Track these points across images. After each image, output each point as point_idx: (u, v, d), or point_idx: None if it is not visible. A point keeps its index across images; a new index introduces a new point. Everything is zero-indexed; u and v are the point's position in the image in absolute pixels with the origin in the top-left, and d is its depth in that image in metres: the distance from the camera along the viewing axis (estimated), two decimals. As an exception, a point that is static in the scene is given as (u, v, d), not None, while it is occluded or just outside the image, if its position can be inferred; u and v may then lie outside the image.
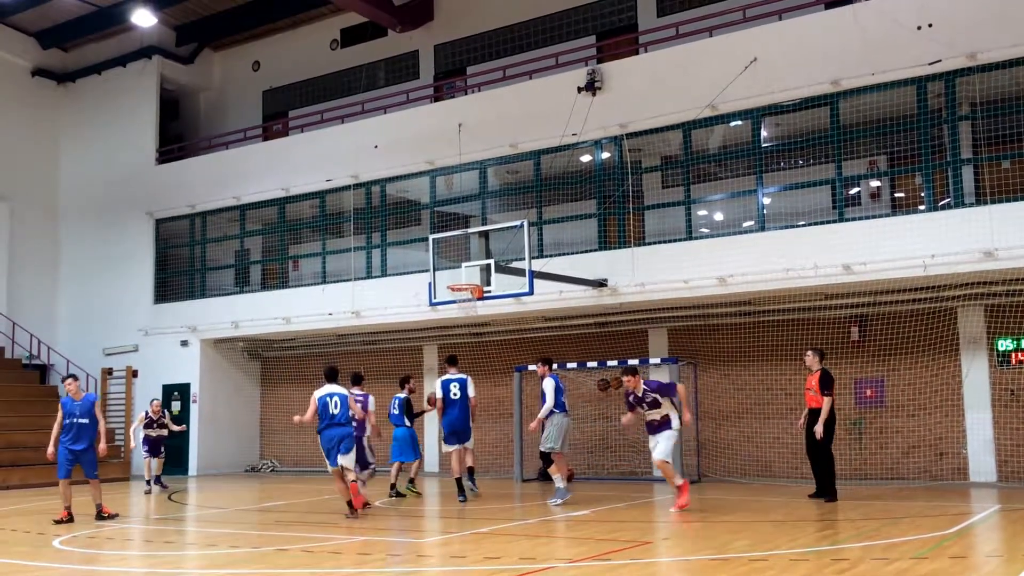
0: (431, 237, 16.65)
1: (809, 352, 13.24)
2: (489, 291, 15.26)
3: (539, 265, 15.99)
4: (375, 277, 20.30)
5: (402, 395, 15.36)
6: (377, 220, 20.60)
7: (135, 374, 23.96)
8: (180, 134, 26.28)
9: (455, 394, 14.05)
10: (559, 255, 17.56)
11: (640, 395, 11.68)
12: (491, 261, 15.38)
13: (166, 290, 23.96)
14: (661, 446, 11.48)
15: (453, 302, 16.46)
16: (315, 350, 22.64)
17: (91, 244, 25.30)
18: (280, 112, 24.99)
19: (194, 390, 22.93)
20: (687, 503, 11.46)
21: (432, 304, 16.59)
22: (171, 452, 22.85)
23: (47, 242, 25.81)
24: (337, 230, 21.46)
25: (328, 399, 11.79)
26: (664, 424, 11.58)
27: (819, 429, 12.40)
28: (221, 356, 23.40)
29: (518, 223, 15.73)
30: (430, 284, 16.21)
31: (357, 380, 13.92)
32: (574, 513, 11.75)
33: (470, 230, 17.60)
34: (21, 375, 23.79)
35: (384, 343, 21.69)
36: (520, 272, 15.30)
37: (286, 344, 23.13)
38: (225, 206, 22.87)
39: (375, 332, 21.25)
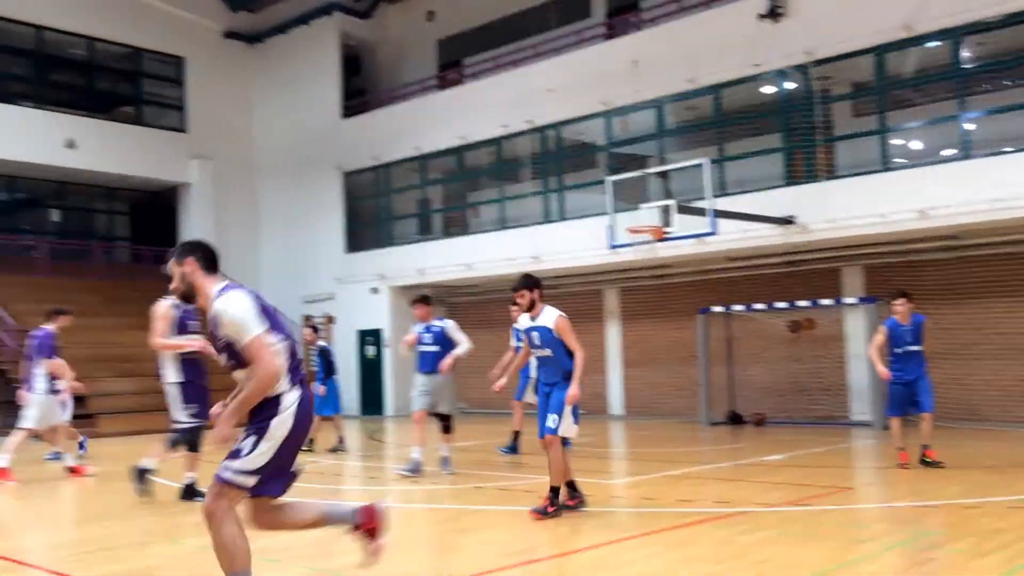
0: (608, 179, 16.49)
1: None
2: (670, 232, 14.98)
3: (722, 204, 15.52)
4: (553, 221, 20.37)
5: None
6: (554, 164, 20.59)
7: (332, 320, 25.23)
8: (362, 88, 27.09)
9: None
10: (743, 193, 16.98)
11: None
12: (671, 202, 15.06)
13: (356, 240, 24.99)
14: None
15: (632, 244, 16.29)
16: (497, 295, 23.02)
17: (286, 199, 26.67)
18: (455, 61, 25.26)
19: (386, 335, 23.91)
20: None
21: (612, 247, 16.48)
22: (368, 394, 24.12)
23: (247, 198, 27.42)
24: (514, 176, 21.63)
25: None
26: None
27: None
28: (408, 303, 24.22)
29: (699, 161, 15.31)
30: (609, 227, 16.10)
31: None
32: (767, 458, 11.49)
33: (648, 171, 17.28)
34: (229, 323, 25.49)
35: (564, 287, 21.77)
36: (702, 212, 14.92)
37: (469, 290, 23.68)
38: (406, 157, 23.50)
39: (555, 276, 21.34)
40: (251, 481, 4.32)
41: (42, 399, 11.37)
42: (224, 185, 26.83)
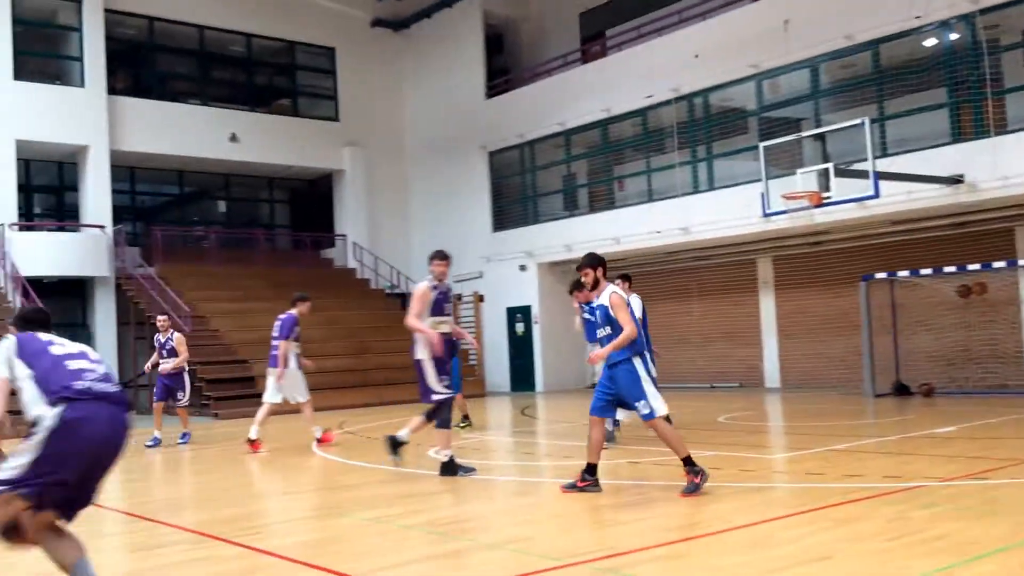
0: (761, 145, 15.99)
1: None
2: (828, 197, 14.40)
3: (884, 165, 14.79)
4: (702, 191, 19.95)
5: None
6: (701, 132, 20.13)
7: (481, 299, 25.64)
8: (505, 67, 27.26)
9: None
10: (905, 152, 16.14)
11: None
12: (829, 165, 14.46)
13: (503, 218, 25.25)
14: None
15: (788, 211, 15.75)
16: (645, 269, 22.79)
17: (434, 180, 27.21)
18: (598, 33, 25.03)
19: (535, 312, 24.10)
20: None
21: (766, 215, 16.01)
22: (518, 371, 24.41)
23: (397, 181, 28.16)
24: (660, 146, 21.29)
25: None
26: None
27: None
28: (556, 279, 24.31)
29: (858, 121, 14.62)
30: (762, 194, 15.63)
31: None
32: (938, 430, 10.93)
33: (803, 134, 16.61)
34: (385, 303, 26.32)
35: (715, 258, 21.36)
36: (863, 174, 14.26)
37: (617, 264, 23.47)
38: (551, 133, 23.51)
39: (705, 247, 20.97)
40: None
41: (290, 374, 12.19)
42: (375, 170, 27.64)
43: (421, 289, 8.70)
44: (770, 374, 20.53)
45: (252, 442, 11.88)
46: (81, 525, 7.57)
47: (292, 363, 12.26)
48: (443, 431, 8.81)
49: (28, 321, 5.18)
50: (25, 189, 23.42)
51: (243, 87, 27.04)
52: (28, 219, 23.38)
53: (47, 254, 21.57)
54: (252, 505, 7.98)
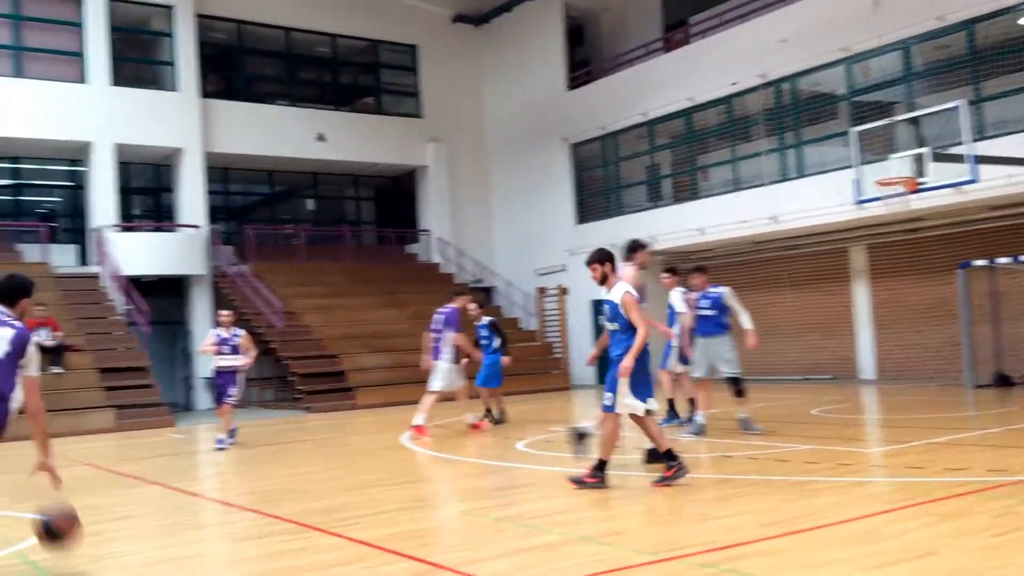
0: (852, 130, 15.56)
1: None
2: (924, 182, 13.95)
3: (982, 148, 14.23)
4: (791, 179, 19.53)
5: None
6: (789, 119, 19.71)
7: (565, 292, 25.60)
8: (586, 58, 27.12)
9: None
10: (1005, 135, 15.50)
11: None
12: (925, 150, 13.99)
13: (585, 210, 25.16)
14: None
15: (882, 198, 15.29)
16: (731, 259, 22.45)
17: (516, 174, 27.26)
18: (680, 20, 24.69)
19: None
20: None
21: (858, 202, 15.58)
22: (604, 364, 24.25)
23: (479, 175, 28.31)
24: (746, 134, 20.92)
25: None
26: None
27: None
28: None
29: (953, 104, 14.10)
30: (855, 181, 15.22)
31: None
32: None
33: (897, 118, 16.11)
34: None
35: (804, 247, 20.90)
36: (959, 158, 13.76)
37: (702, 255, 23.19)
38: (633, 124, 23.32)
39: (794, 236, 20.51)
40: None
41: (447, 367, 12.50)
42: (457, 165, 27.84)
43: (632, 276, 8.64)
44: (864, 365, 20.00)
45: (418, 427, 12.13)
46: (184, 516, 7.85)
47: (447, 355, 12.53)
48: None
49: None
50: (124, 191, 24.30)
51: (329, 87, 27.53)
52: (127, 220, 24.25)
53: (146, 254, 22.36)
54: (346, 497, 8.13)
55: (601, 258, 7.74)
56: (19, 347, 5.43)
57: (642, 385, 7.47)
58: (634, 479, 8.65)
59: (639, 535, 6.03)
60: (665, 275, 11.96)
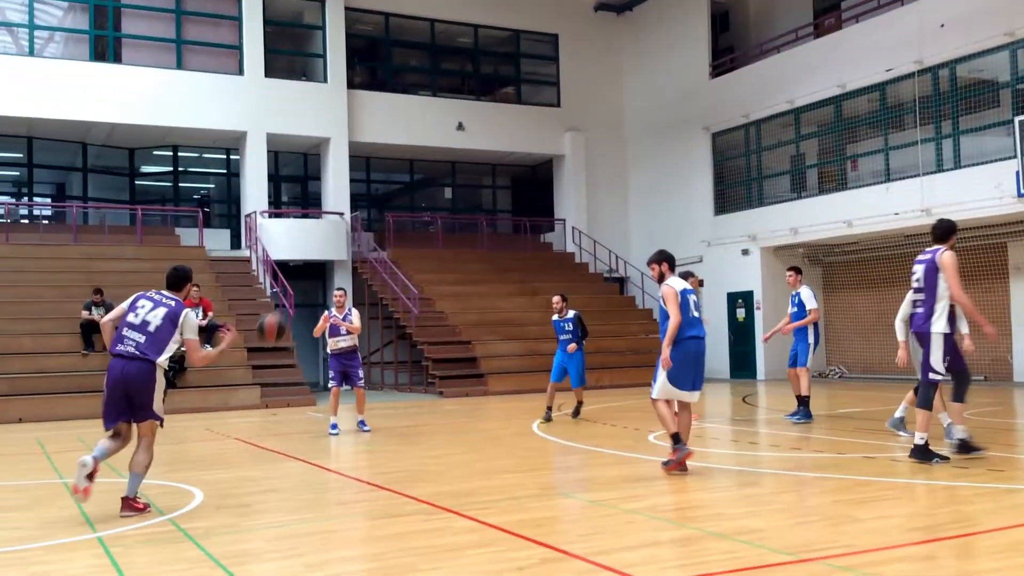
0: (1017, 119, 14.63)
1: None
2: (1096, 174, 12.97)
3: None
4: (947, 170, 18.55)
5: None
6: (947, 107, 18.71)
7: (701, 283, 25.12)
8: (731, 46, 26.51)
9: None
10: None
11: None
12: (1099, 138, 13.02)
13: (724, 201, 24.64)
14: None
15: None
16: (880, 253, 21.55)
17: (654, 164, 26.94)
18: (832, 5, 23.80)
19: (757, 297, 23.39)
20: None
21: (1020, 195, 14.64)
22: (738, 357, 23.77)
23: (616, 165, 28.13)
24: (899, 123, 19.98)
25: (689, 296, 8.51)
26: None
27: None
28: (781, 263, 23.41)
29: None
30: (1018, 172, 14.34)
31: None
32: None
33: (1067, 105, 15.07)
34: (603, 287, 26.41)
35: (960, 241, 19.70)
36: None
37: (848, 248, 22.37)
38: (778, 112, 22.67)
39: (948, 230, 19.47)
40: None
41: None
42: (595, 155, 27.74)
43: (954, 262, 8.27)
44: (1021, 368, 18.85)
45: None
46: (324, 491, 8.13)
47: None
48: (924, 412, 8.26)
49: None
50: (273, 179, 25.38)
51: (469, 77, 27.92)
52: (276, 207, 25.31)
53: (292, 239, 23.30)
54: (479, 481, 8.25)
55: (660, 259, 8.65)
56: (170, 322, 6.91)
57: (682, 375, 8.23)
58: (769, 477, 8.43)
59: (777, 534, 5.87)
60: (790, 273, 12.75)
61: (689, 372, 8.25)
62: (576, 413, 13.63)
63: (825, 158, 22.10)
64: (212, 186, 26.72)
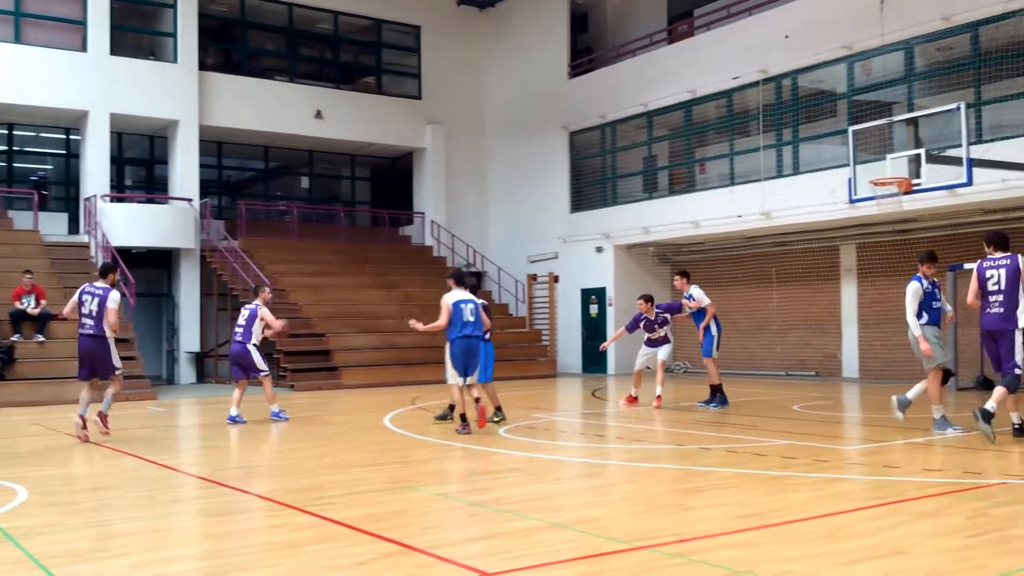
0: (850, 129, 15.52)
1: None
2: (919, 184, 13.91)
3: (978, 152, 14.23)
4: (786, 176, 19.52)
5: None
6: (788, 115, 19.68)
7: (556, 280, 25.60)
8: (589, 47, 27.03)
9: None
10: (1002, 139, 15.50)
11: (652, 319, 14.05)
12: (921, 151, 13.95)
13: (581, 199, 25.13)
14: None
15: (875, 198, 15.27)
16: (724, 253, 22.49)
17: (513, 159, 27.20)
18: (685, 12, 24.61)
19: (609, 294, 23.98)
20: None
21: (852, 201, 15.55)
22: (591, 352, 24.30)
23: (476, 160, 28.24)
24: (744, 129, 20.88)
25: (463, 306, 10.68)
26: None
27: None
28: (633, 261, 24.13)
29: (953, 106, 14.05)
30: (850, 180, 15.18)
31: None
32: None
33: (895, 118, 16.06)
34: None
35: (796, 244, 20.92)
36: (956, 161, 13.73)
37: (695, 248, 23.23)
38: (633, 114, 23.27)
39: (786, 233, 20.55)
40: None
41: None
42: (455, 149, 27.76)
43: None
44: (849, 364, 20.07)
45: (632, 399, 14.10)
46: (158, 489, 7.82)
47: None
48: (1012, 396, 9.26)
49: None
50: (117, 162, 24.18)
51: (329, 64, 27.40)
52: (119, 191, 24.13)
53: (136, 225, 22.26)
54: (325, 476, 8.12)
55: (449, 275, 11.29)
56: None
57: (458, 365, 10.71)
58: (612, 468, 8.66)
59: (615, 523, 6.03)
60: (677, 277, 14.37)
61: (460, 363, 10.59)
62: (446, 411, 12.56)
63: (676, 160, 22.87)
64: (50, 167, 25.22)
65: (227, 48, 26.05)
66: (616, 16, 26.75)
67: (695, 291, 13.68)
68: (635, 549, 5.15)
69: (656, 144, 23.48)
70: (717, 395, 13.58)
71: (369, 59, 28.21)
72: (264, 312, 12.78)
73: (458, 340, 10.62)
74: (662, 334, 14.17)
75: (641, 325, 14.35)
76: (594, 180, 24.88)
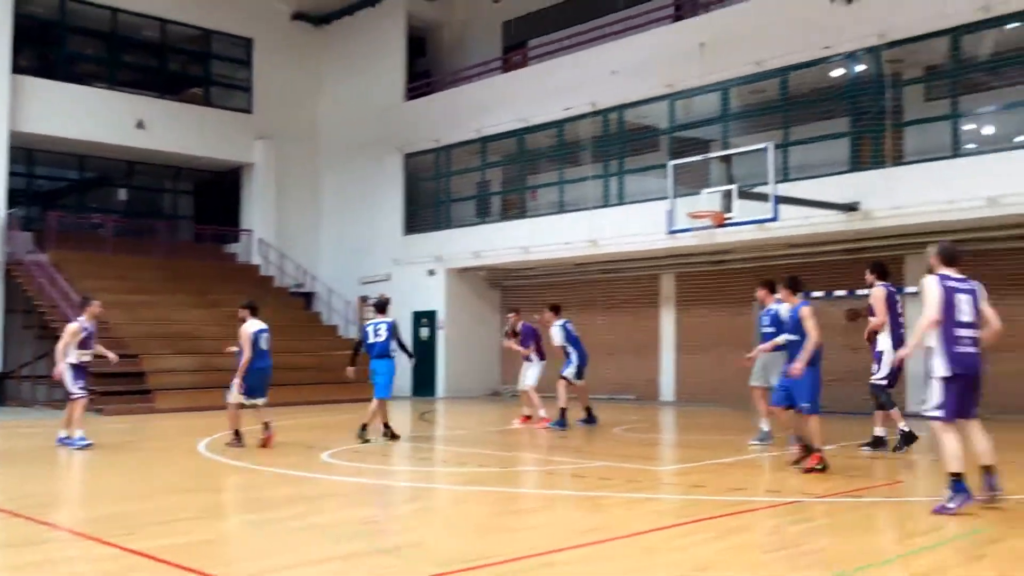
0: (670, 163, 16.28)
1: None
2: (731, 217, 14.75)
3: (784, 189, 15.22)
4: (612, 205, 20.22)
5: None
6: (615, 147, 20.43)
7: (388, 301, 25.36)
8: (427, 70, 27.14)
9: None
10: (806, 178, 16.64)
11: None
12: (733, 187, 14.81)
13: (415, 221, 25.11)
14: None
15: (692, 229, 16.07)
16: (553, 279, 23.00)
17: (347, 179, 26.90)
18: (520, 43, 25.13)
19: (440, 317, 24.03)
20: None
21: (670, 232, 16.28)
22: (421, 375, 24.24)
23: (309, 178, 27.73)
24: (574, 159, 21.51)
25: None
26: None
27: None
28: (465, 284, 24.30)
29: (762, 146, 15.02)
30: (668, 211, 15.91)
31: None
32: (827, 447, 11.24)
33: (711, 155, 17.03)
34: (289, 301, 25.82)
35: (621, 272, 21.67)
36: (764, 197, 14.67)
37: (525, 273, 23.65)
38: (467, 139, 23.50)
39: (612, 261, 21.24)
40: None
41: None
42: (287, 165, 27.17)
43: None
44: (666, 388, 20.92)
45: (541, 419, 13.97)
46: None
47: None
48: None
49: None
50: (-88, 165, 22.27)
51: (154, 73, 26.26)
52: (-87, 196, 22.21)
53: (-68, 234, 20.51)
54: (131, 504, 7.71)
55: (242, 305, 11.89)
56: None
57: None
58: (436, 491, 8.65)
59: (436, 546, 6.03)
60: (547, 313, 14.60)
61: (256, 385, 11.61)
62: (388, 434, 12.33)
63: (508, 186, 23.27)
64: None
65: (44, 51, 24.50)
66: (453, 42, 27.04)
67: (555, 331, 14.32)
68: (455, 572, 5.16)
69: (489, 170, 23.82)
70: (563, 417, 14.10)
71: (198, 69, 27.25)
72: (70, 328, 11.89)
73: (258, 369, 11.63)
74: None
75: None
76: (428, 203, 24.94)
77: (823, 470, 8.72)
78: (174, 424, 15.88)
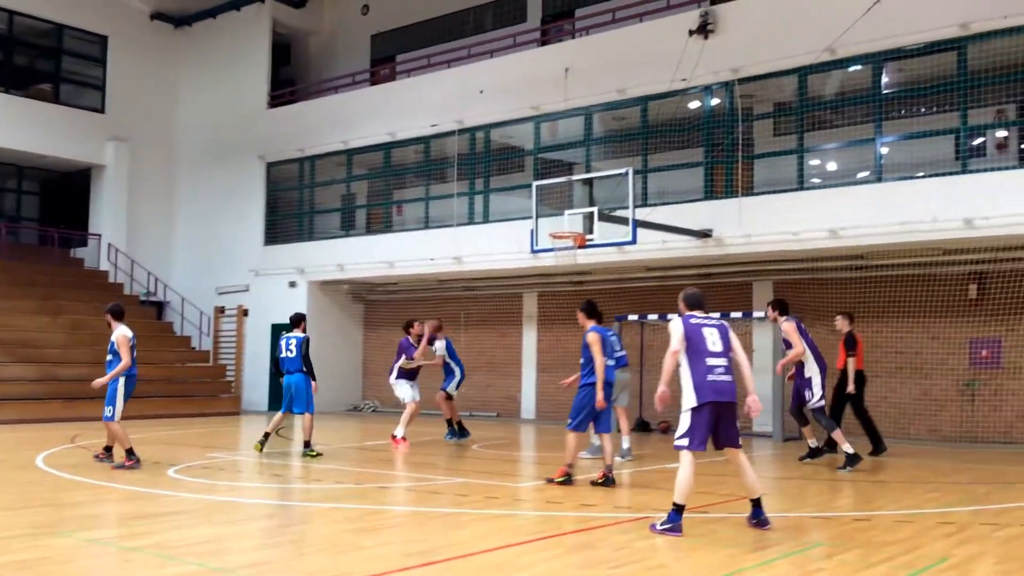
0: (534, 184, 16.53)
1: (839, 317, 13.08)
2: (591, 239, 15.09)
3: (643, 214, 15.72)
4: (477, 223, 20.36)
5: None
6: (480, 166, 20.60)
7: (246, 313, 24.74)
8: (292, 79, 26.69)
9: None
10: (663, 204, 17.23)
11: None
12: (594, 209, 15.16)
13: (276, 232, 24.56)
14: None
15: (554, 250, 16.35)
16: (417, 295, 22.95)
17: (206, 186, 26.08)
18: (388, 56, 25.07)
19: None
20: None
21: (533, 251, 16.52)
22: (278, 389, 23.63)
23: (165, 183, 26.73)
24: (441, 176, 21.56)
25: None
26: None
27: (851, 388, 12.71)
28: (327, 298, 23.93)
29: (623, 171, 15.45)
30: (532, 231, 16.14)
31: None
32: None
33: (574, 177, 17.40)
34: (139, 310, 24.74)
35: (484, 290, 21.82)
36: (623, 221, 15.07)
37: (389, 288, 23.50)
38: (333, 150, 23.21)
39: (476, 278, 21.38)
40: None
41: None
42: (141, 168, 26.12)
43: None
44: (527, 406, 21.18)
45: (396, 439, 13.49)
46: None
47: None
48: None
49: None
50: None
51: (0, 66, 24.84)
52: None
53: None
54: (-44, 522, 7.23)
55: (107, 309, 11.10)
56: None
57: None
58: (286, 509, 8.48)
59: (283, 565, 5.90)
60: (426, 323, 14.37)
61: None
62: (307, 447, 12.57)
63: (374, 200, 23.09)
64: None
65: None
66: (320, 51, 26.70)
67: (439, 345, 14.43)
68: (299, 591, 5.07)
69: (355, 182, 23.58)
70: (455, 428, 14.49)
71: (47, 65, 25.90)
72: None
73: (132, 378, 11.09)
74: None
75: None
76: (290, 213, 24.46)
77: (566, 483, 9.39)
78: (9, 436, 14.96)
